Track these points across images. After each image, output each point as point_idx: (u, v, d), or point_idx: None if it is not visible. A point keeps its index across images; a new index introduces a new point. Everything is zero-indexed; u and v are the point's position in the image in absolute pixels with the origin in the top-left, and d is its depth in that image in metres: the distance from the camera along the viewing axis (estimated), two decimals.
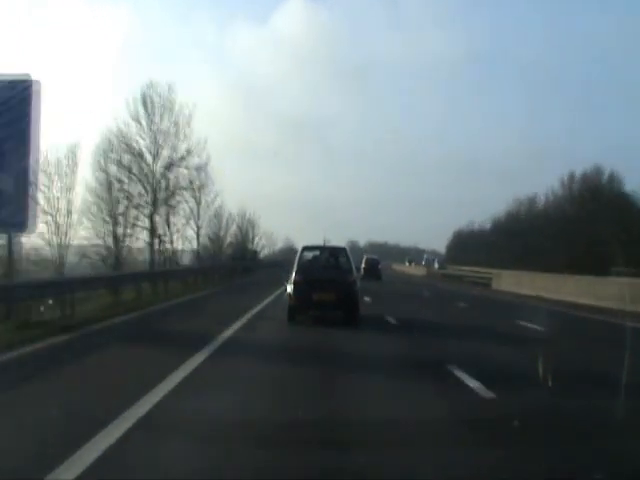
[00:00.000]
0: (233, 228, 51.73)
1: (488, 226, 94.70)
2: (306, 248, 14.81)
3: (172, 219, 27.94)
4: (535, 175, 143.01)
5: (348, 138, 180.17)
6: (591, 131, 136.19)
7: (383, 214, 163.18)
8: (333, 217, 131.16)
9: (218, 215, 39.21)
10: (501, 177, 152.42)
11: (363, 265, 38.31)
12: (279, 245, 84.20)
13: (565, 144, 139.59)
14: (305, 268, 13.71)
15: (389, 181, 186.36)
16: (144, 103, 27.32)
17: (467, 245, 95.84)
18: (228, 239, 46.23)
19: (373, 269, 39.17)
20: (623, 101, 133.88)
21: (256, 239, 63.62)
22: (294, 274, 13.39)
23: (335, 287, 13.05)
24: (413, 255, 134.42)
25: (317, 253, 14.81)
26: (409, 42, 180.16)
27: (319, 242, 15.87)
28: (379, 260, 44.23)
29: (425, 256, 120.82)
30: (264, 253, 70.49)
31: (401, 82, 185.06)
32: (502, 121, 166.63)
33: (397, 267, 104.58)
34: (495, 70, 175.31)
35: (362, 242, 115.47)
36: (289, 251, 72.44)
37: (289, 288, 13.38)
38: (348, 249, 14.88)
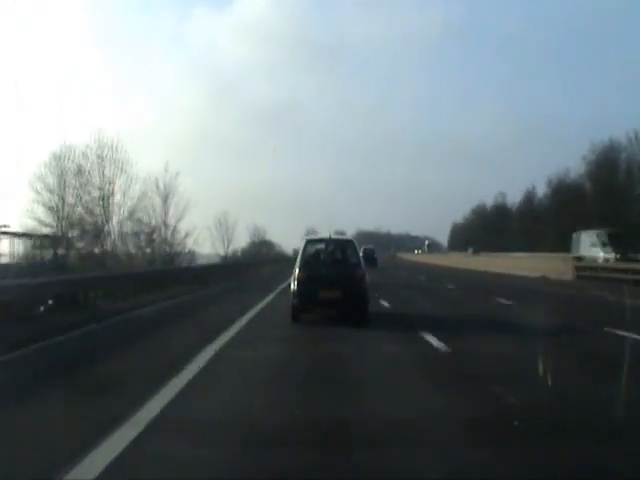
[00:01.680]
0: None
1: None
2: (310, 241, 13.71)
3: None
4: (519, 157, 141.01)
5: (324, 125, 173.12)
6: (578, 104, 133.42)
7: (369, 202, 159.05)
8: (316, 208, 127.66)
9: None
10: (484, 160, 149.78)
11: (361, 254, 40.11)
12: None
13: (550, 124, 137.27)
14: (309, 263, 12.65)
15: (371, 167, 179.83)
16: None
17: (474, 229, 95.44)
18: None
19: (370, 258, 42.92)
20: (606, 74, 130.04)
21: None
22: (297, 270, 12.32)
23: (343, 283, 12.01)
24: (405, 241, 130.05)
25: (322, 246, 13.67)
26: (383, 19, 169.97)
27: (300, 238, 14.85)
28: (374, 250, 52.28)
29: (427, 242, 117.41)
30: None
31: (376, 63, 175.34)
32: (483, 102, 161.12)
33: (410, 258, 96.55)
34: (474, 45, 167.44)
35: (350, 232, 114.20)
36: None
37: (292, 285, 12.34)
38: (355, 241, 13.73)
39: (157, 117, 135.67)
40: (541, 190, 72.63)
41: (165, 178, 42.39)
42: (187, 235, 42.97)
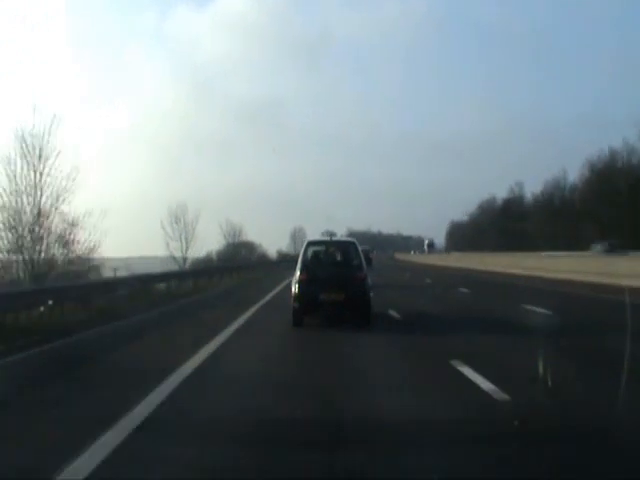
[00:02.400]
0: None
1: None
2: (311, 243, 13.57)
3: None
4: (504, 154, 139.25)
5: (307, 122, 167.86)
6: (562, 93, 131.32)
7: (356, 201, 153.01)
8: (301, 208, 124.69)
9: None
10: (471, 156, 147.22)
11: None
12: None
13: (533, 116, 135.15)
14: (311, 265, 12.51)
15: (355, 165, 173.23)
16: None
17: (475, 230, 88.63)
18: None
19: (366, 258, 42.55)
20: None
21: None
22: (298, 272, 12.20)
23: (345, 285, 11.89)
24: (397, 241, 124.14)
25: (323, 248, 13.56)
26: (364, 13, 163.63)
27: (285, 240, 14.74)
28: (370, 249, 54.43)
29: (426, 241, 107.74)
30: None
31: (358, 57, 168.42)
32: (469, 96, 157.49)
33: (410, 259, 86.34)
34: (457, 38, 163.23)
35: (340, 232, 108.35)
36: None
37: (293, 288, 12.21)
38: (357, 243, 13.59)
39: (137, 116, 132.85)
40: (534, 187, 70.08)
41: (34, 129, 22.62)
42: (75, 226, 22.80)
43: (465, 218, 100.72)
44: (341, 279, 12.04)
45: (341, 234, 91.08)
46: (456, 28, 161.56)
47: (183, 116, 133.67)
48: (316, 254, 13.23)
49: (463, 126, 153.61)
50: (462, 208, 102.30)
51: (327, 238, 14.51)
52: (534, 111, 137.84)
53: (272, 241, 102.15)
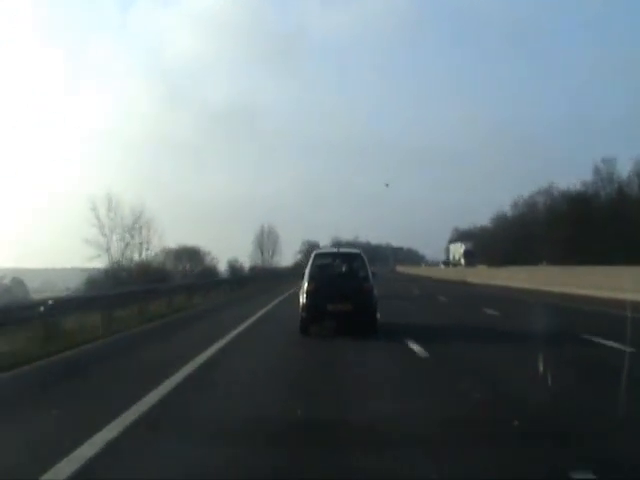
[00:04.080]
0: None
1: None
2: (319, 255, 13.91)
3: None
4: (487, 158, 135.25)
5: (283, 126, 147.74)
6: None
7: (340, 210, 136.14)
8: (280, 218, 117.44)
9: None
10: (454, 163, 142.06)
11: None
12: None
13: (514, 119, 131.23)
14: (318, 276, 12.81)
15: (337, 173, 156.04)
16: None
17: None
18: None
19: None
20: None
21: None
22: (306, 283, 12.53)
23: (351, 296, 12.18)
24: (385, 252, 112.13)
25: (330, 259, 13.87)
26: (342, 9, 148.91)
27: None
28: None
29: (462, 247, 73.05)
30: None
31: (337, 54, 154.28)
32: (453, 102, 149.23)
33: (420, 272, 69.56)
34: (441, 34, 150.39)
35: (324, 242, 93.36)
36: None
37: (301, 298, 12.49)
38: (363, 254, 13.86)
39: (107, 119, 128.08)
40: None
41: None
42: None
43: (473, 226, 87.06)
44: (348, 290, 12.32)
45: (324, 244, 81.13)
46: (440, 23, 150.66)
47: (152, 119, 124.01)
48: (323, 265, 13.50)
49: (449, 130, 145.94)
50: (452, 217, 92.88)
51: (334, 249, 14.88)
52: (522, 113, 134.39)
53: (239, 250, 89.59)
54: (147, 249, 46.85)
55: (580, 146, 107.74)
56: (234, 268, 62.38)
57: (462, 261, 68.52)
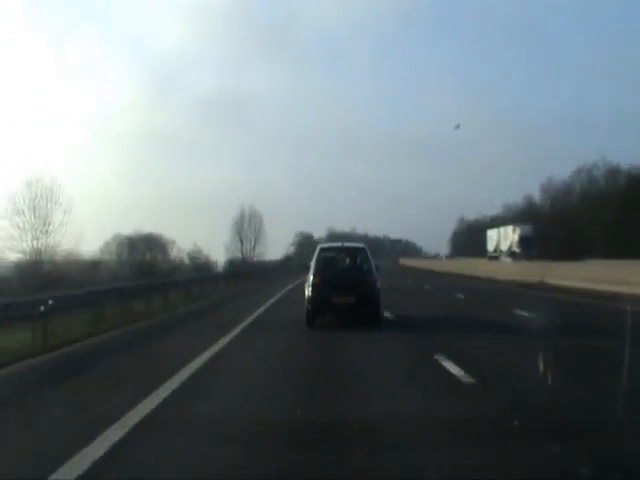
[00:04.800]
0: None
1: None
2: (324, 249, 14.36)
3: None
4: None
5: (275, 117, 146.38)
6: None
7: (335, 202, 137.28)
8: (267, 206, 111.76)
9: None
10: (451, 157, 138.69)
11: None
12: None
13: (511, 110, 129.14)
14: (324, 269, 13.23)
15: (332, 164, 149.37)
16: None
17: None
18: None
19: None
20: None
21: None
22: (312, 276, 12.95)
23: (356, 289, 12.59)
24: (384, 245, 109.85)
25: (335, 253, 14.29)
26: (335, 3, 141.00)
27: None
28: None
29: (516, 232, 51.29)
30: None
31: (332, 41, 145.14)
32: (449, 94, 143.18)
33: (425, 266, 64.41)
34: (439, 21, 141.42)
35: (318, 234, 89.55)
36: None
37: (307, 291, 12.90)
38: (367, 248, 14.27)
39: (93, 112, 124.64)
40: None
41: None
42: None
43: (482, 216, 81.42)
44: (352, 282, 12.74)
45: (319, 236, 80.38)
46: (442, 13, 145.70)
47: (142, 110, 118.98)
48: (328, 259, 13.91)
49: (444, 122, 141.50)
50: (447, 211, 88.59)
51: (339, 244, 15.37)
52: (518, 108, 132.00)
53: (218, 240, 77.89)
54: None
55: (578, 137, 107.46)
56: (196, 264, 48.24)
57: (515, 252, 49.86)
